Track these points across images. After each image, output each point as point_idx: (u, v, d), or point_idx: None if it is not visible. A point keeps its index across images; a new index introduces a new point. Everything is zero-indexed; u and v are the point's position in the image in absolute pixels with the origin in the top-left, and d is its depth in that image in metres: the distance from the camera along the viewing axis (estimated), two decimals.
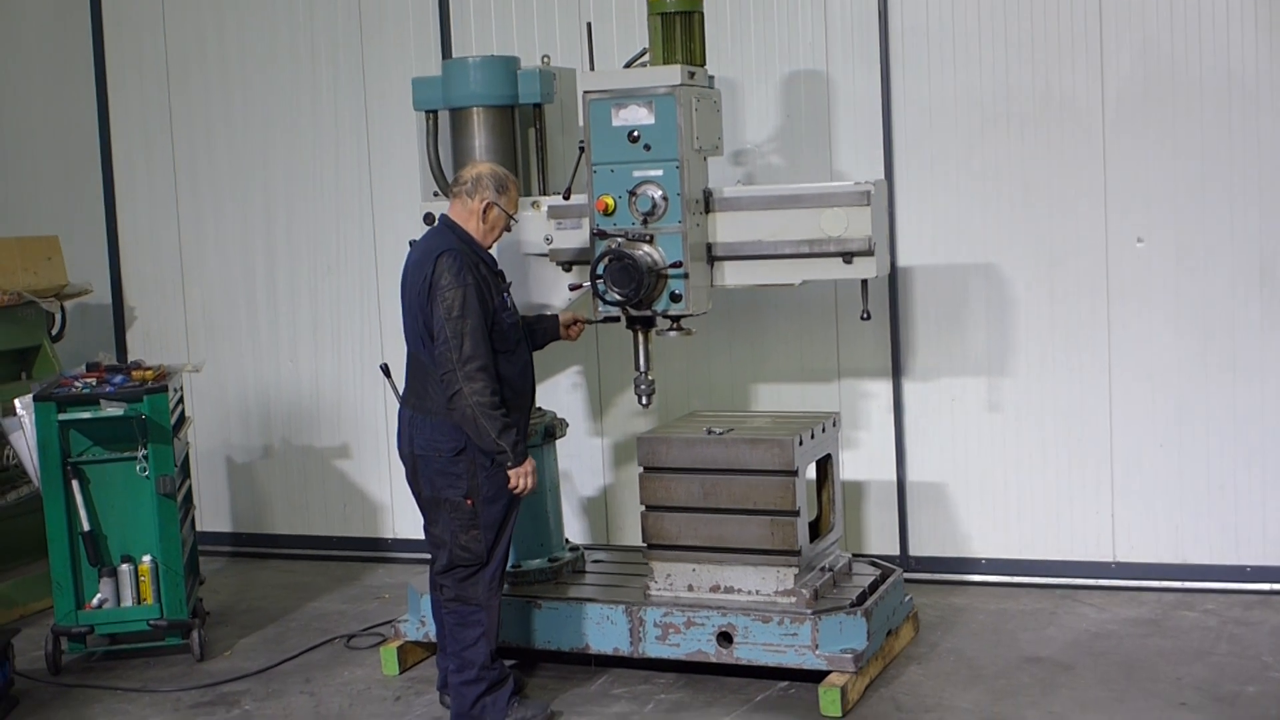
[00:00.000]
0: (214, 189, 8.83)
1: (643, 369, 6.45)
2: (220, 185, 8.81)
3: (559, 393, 8.06)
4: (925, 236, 7.40)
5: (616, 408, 8.01)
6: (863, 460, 7.59)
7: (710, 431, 6.26)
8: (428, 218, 6.49)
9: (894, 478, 7.57)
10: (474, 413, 5.51)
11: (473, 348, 5.52)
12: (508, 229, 5.90)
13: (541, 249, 6.58)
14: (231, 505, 9.02)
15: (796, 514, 6.06)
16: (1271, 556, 7.05)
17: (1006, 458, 7.41)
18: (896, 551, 7.59)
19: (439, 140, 6.81)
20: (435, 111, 6.82)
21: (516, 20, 7.97)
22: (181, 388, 7.51)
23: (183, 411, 7.44)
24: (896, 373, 7.51)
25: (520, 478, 5.66)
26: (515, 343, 5.80)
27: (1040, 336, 7.29)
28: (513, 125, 6.74)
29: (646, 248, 6.14)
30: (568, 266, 6.57)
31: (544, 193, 6.82)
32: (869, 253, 6.12)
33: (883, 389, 7.55)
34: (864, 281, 6.30)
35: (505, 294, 5.79)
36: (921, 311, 7.45)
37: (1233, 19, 6.87)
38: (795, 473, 6.05)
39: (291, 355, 8.74)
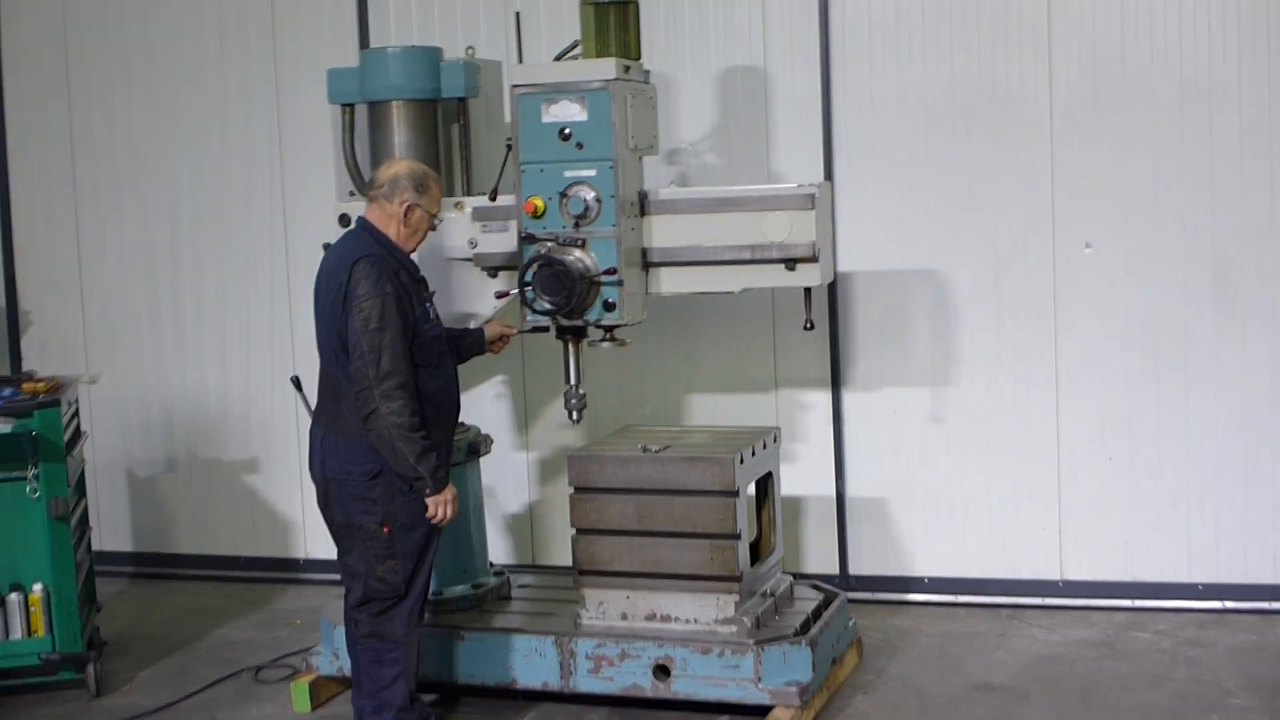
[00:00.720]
0: (114, 186, 8.32)
1: (573, 382, 6.08)
2: (121, 182, 8.30)
3: (483, 403, 7.68)
4: (866, 240, 7.10)
5: (543, 420, 7.62)
6: (801, 474, 7.26)
7: (645, 449, 5.89)
8: (343, 219, 6.08)
9: (833, 492, 7.26)
10: (391, 435, 5.10)
11: (391, 363, 5.11)
12: (432, 229, 5.49)
13: (465, 253, 6.18)
14: (132, 523, 8.51)
15: (737, 537, 5.70)
16: (1225, 574, 6.81)
17: (950, 471, 7.12)
18: (836, 570, 7.29)
19: (355, 136, 6.40)
20: (352, 105, 6.42)
21: (439, 9, 7.55)
22: (77, 400, 7.01)
23: (78, 426, 6.94)
24: (836, 383, 7.21)
25: (439, 506, 5.25)
26: (439, 356, 5.39)
27: (985, 345, 7.01)
28: (435, 121, 6.35)
29: (578, 253, 5.76)
30: (494, 272, 6.18)
31: (468, 193, 6.44)
32: (813, 259, 5.79)
33: (822, 400, 7.23)
34: (807, 290, 5.97)
35: (428, 304, 5.38)
36: (862, 319, 7.15)
37: (1185, 19, 6.60)
38: (736, 493, 5.70)
39: (197, 363, 8.26)
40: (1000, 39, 6.83)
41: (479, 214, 6.13)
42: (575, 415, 6.08)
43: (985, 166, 6.91)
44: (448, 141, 6.39)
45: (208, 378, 8.23)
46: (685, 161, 7.26)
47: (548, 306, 5.72)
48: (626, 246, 5.78)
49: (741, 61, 7.17)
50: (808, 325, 6.02)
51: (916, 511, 7.18)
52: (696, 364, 7.37)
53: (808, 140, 7.10)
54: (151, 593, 8.16)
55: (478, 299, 6.18)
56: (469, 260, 6.18)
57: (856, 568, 7.28)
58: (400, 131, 6.26)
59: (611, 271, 5.72)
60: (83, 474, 6.95)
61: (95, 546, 8.11)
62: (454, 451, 6.05)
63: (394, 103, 6.25)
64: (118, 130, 8.27)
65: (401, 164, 5.42)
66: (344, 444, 5.28)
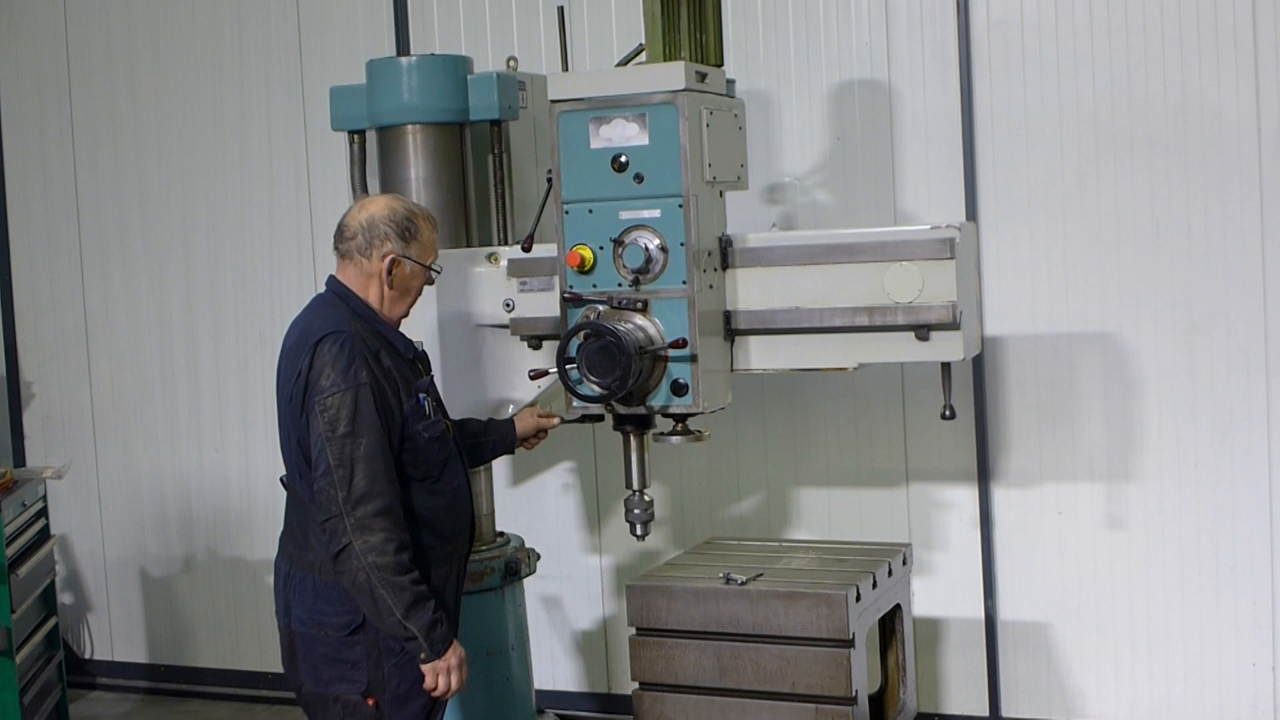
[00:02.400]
0: (122, 236, 7.10)
1: (636, 486, 4.66)
2: (130, 231, 7.07)
3: (546, 497, 6.34)
4: (1022, 298, 5.64)
5: (620, 516, 6.15)
6: (940, 591, 5.81)
7: (729, 579, 4.45)
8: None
9: (981, 614, 5.80)
10: (370, 580, 3.73)
11: (368, 482, 3.74)
12: (429, 283, 4.11)
13: (500, 319, 4.85)
14: (147, 630, 7.28)
15: (852, 701, 4.23)
16: None
17: (1133, 590, 5.62)
18: (985, 711, 5.82)
19: (366, 170, 5.08)
20: (361, 132, 5.11)
21: (490, 17, 6.19)
22: (45, 497, 5.75)
23: (45, 528, 5.67)
24: (984, 476, 5.74)
25: (439, 675, 3.85)
26: (441, 465, 4.01)
27: (1177, 429, 5.51)
28: (461, 150, 5.01)
29: (638, 319, 4.38)
30: (536, 344, 4.84)
31: (506, 241, 5.08)
32: (953, 325, 4.37)
33: (966, 498, 5.77)
34: (945, 365, 4.52)
35: (422, 395, 3.98)
36: (1017, 396, 5.68)
37: None
38: (850, 642, 4.24)
39: (217, 445, 6.98)
40: (1192, 43, 5.35)
41: (515, 269, 4.78)
42: (640, 529, 4.68)
43: (1174, 202, 5.41)
44: (480, 176, 5.04)
45: (229, 461, 6.95)
46: (790, 200, 5.87)
47: (597, 390, 4.32)
48: (702, 310, 4.39)
49: (860, 75, 5.76)
50: (947, 413, 4.56)
51: (1088, 640, 5.69)
52: (806, 452, 5.95)
53: (944, 171, 5.68)
54: (166, 714, 6.94)
55: (517, 379, 4.85)
56: (505, 328, 4.83)
57: (1011, 708, 5.81)
58: (418, 164, 4.97)
59: (681, 344, 4.32)
60: (51, 585, 5.70)
61: (105, 656, 7.26)
62: (486, 572, 4.69)
63: (409, 127, 4.94)
64: (126, 172, 7.05)
65: (377, 203, 4.05)
66: (313, 585, 3.93)
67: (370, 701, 3.90)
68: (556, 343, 4.55)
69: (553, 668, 6.39)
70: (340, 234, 4.03)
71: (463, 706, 4.86)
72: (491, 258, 4.87)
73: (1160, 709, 5.59)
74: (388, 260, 3.97)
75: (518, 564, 5.01)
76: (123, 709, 7.01)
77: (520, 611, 5.12)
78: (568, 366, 4.35)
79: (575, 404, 4.47)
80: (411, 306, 4.09)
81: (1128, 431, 5.55)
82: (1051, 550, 5.69)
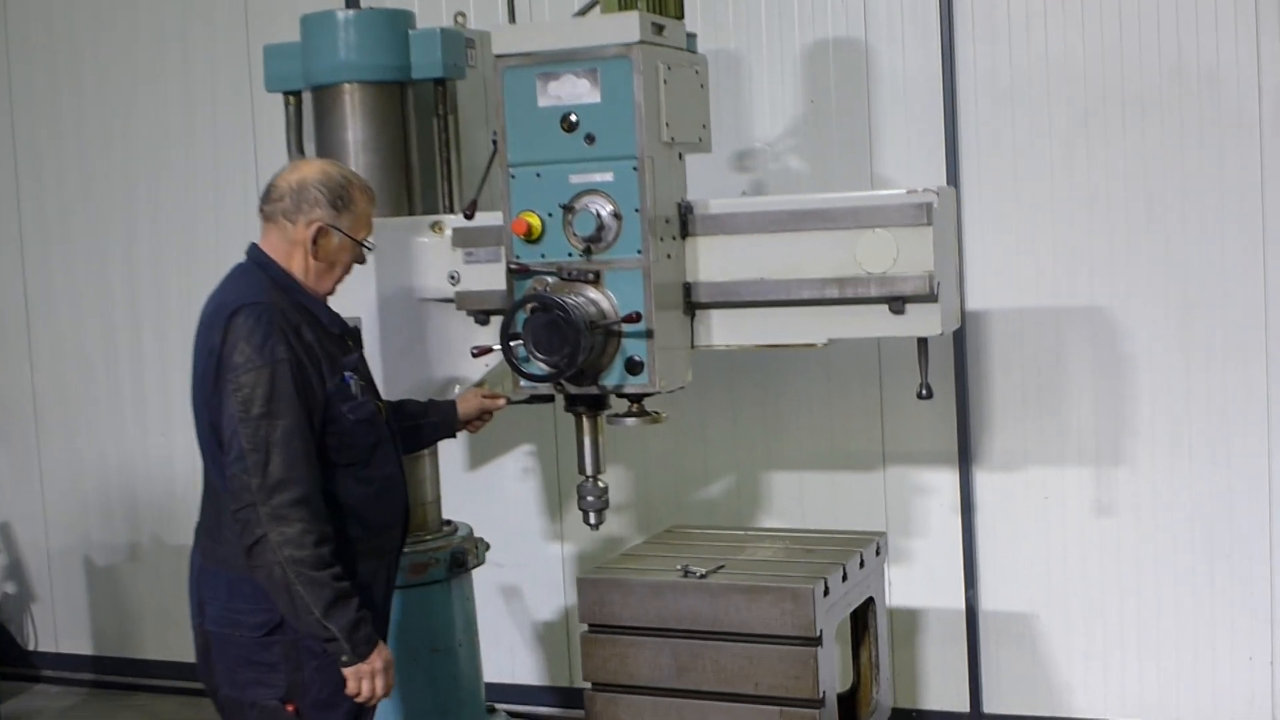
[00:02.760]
0: (64, 221, 6.73)
1: (590, 472, 4.32)
2: (72, 216, 6.71)
3: (504, 481, 6.02)
4: (1006, 270, 5.30)
5: None
6: (918, 581, 5.50)
7: (688, 572, 4.11)
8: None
9: (962, 605, 5.46)
10: (287, 575, 3.39)
11: (285, 467, 3.40)
12: (359, 261, 3.77)
13: (445, 292, 4.51)
14: (91, 621, 6.95)
15: (819, 703, 3.91)
16: None
17: (1122, 580, 5.29)
18: (965, 707, 5.50)
19: (303, 134, 4.74)
20: (297, 93, 4.76)
21: None
22: None
23: None
24: (965, 459, 5.40)
25: (362, 680, 3.52)
26: (370, 449, 3.66)
27: (1170, 410, 5.18)
28: (402, 111, 4.66)
29: (590, 291, 4.04)
30: (484, 318, 4.48)
31: (451, 209, 4.75)
32: (930, 297, 4.03)
33: (946, 482, 5.44)
34: (922, 341, 4.18)
35: (348, 374, 3.64)
36: (1001, 374, 5.35)
37: None
38: (817, 639, 3.91)
39: (163, 429, 6.62)
40: None
41: (461, 238, 4.44)
42: (593, 518, 4.33)
43: (1169, 168, 5.08)
44: (425, 139, 4.69)
45: (175, 446, 6.58)
46: (761, 167, 5.53)
47: (544, 368, 3.98)
48: (658, 281, 4.05)
49: (835, 33, 5.41)
50: (923, 392, 4.23)
51: (1075, 632, 5.36)
52: (777, 434, 5.62)
53: (924, 136, 5.33)
54: (109, 710, 6.63)
55: (463, 357, 4.46)
56: (450, 302, 4.50)
57: (994, 704, 5.48)
58: (356, 126, 4.62)
59: (635, 318, 3.98)
60: None
61: (51, 648, 6.94)
62: (429, 564, 4.36)
63: (346, 87, 4.59)
64: (66, 146, 6.68)
65: (312, 166, 3.70)
66: (227, 582, 3.59)
67: (290, 708, 3.56)
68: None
69: (512, 661, 6.07)
70: (267, 195, 3.68)
71: (405, 707, 4.53)
72: (435, 227, 4.52)
73: (1151, 705, 5.28)
74: (314, 228, 3.62)
75: (464, 555, 4.66)
76: (67, 703, 6.71)
77: (468, 605, 4.78)
78: (513, 343, 4.01)
79: (523, 384, 4.13)
80: (338, 283, 3.74)
81: (1118, 412, 5.22)
82: (1037, 537, 5.37)
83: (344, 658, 3.46)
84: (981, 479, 5.40)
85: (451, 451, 5.80)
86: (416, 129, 4.69)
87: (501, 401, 4.26)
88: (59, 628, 6.98)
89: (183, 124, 6.42)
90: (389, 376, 4.40)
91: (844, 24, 5.40)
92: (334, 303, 4.01)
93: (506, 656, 6.05)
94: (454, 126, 4.81)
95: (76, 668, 6.96)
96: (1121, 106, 5.11)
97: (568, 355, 3.91)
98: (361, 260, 3.74)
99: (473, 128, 5.04)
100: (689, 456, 5.74)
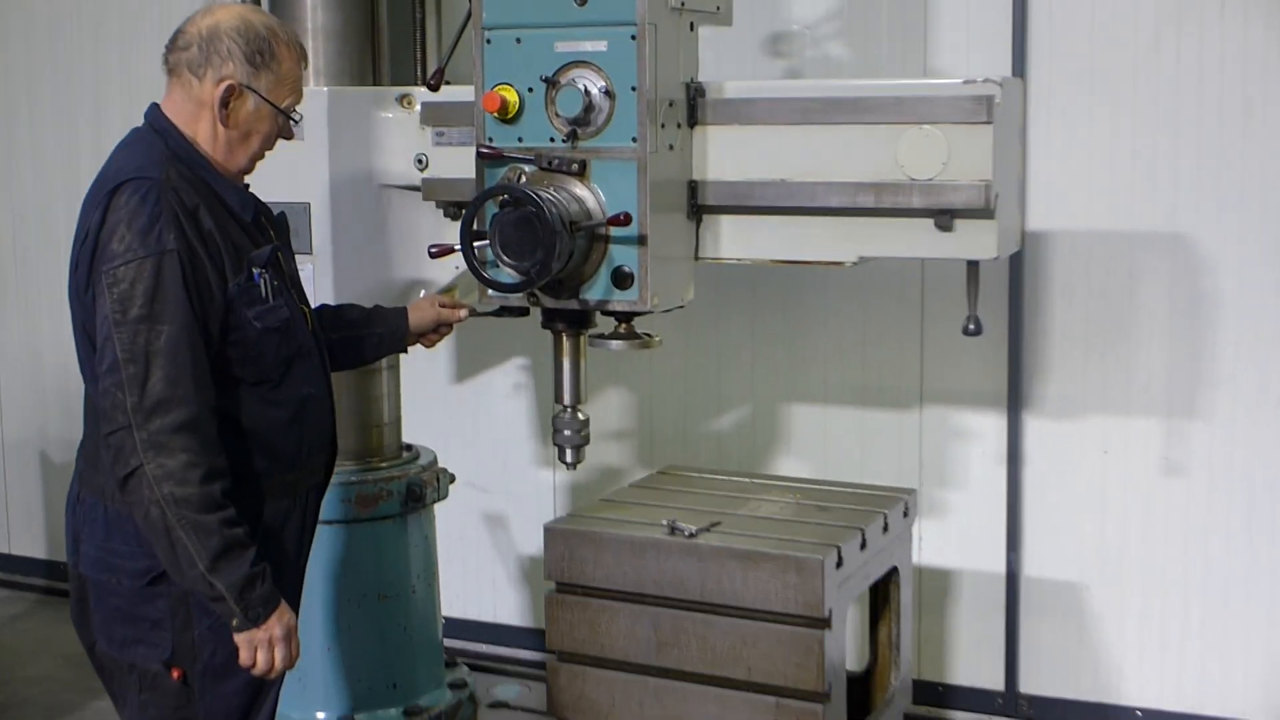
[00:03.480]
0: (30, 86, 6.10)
1: (568, 401, 3.64)
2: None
3: (494, 399, 5.40)
4: (1075, 184, 4.58)
5: None
6: (953, 539, 4.84)
7: (675, 528, 3.44)
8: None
9: (1002, 569, 4.81)
10: (166, 517, 2.74)
11: (168, 384, 2.75)
12: (285, 136, 3.07)
13: (411, 179, 3.85)
14: (46, 523, 6.43)
15: (824, 697, 3.25)
16: None
17: (1188, 551, 4.62)
18: (1000, 685, 4.85)
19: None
20: None
21: None
22: None
23: None
24: (1015, 403, 4.73)
25: (257, 649, 2.86)
26: (284, 365, 2.99)
27: (1257, 359, 4.48)
28: None
29: (573, 185, 3.35)
30: (455, 211, 3.81)
31: (425, 81, 4.04)
32: (985, 212, 3.34)
33: (992, 427, 4.77)
34: (973, 265, 3.49)
35: (258, 271, 2.94)
36: (1062, 307, 4.65)
37: None
38: (825, 621, 3.24)
39: None
40: None
41: (431, 115, 3.75)
42: (570, 455, 3.66)
43: (1273, 75, 4.34)
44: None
45: None
46: (797, 53, 4.82)
47: (514, 276, 3.29)
48: (656, 177, 3.35)
49: None
50: (971, 327, 3.53)
51: (1130, 607, 4.70)
52: (802, 360, 4.96)
53: (987, 22, 4.60)
54: (55, 620, 6.02)
55: (428, 257, 3.77)
56: (417, 190, 3.83)
57: (1031, 685, 4.84)
58: None
59: (625, 219, 3.28)
60: None
61: (4, 550, 6.49)
62: (380, 497, 3.73)
63: None
64: None
65: (229, 11, 2.98)
66: (104, 515, 2.95)
67: (175, 674, 2.93)
68: None
69: (494, 598, 5.48)
70: (173, 42, 2.98)
71: (345, 661, 3.92)
72: (404, 100, 3.86)
73: (1211, 697, 4.62)
74: (224, 86, 2.91)
75: (422, 487, 4.01)
76: (14, 610, 6.19)
77: (428, 545, 4.15)
78: (477, 243, 3.32)
79: (490, 293, 3.45)
80: (256, 160, 3.04)
81: (1196, 357, 4.53)
82: (1093, 496, 4.69)
83: (234, 621, 2.81)
84: (1032, 426, 4.72)
85: (436, 361, 5.19)
86: None
87: (463, 313, 3.57)
88: (11, 529, 6.48)
89: None
90: (340, 277, 3.80)
91: None
92: (278, 186, 3.41)
93: (489, 592, 5.47)
94: None
95: (28, 572, 6.46)
96: None
97: (540, 261, 3.22)
98: (287, 135, 3.04)
99: None
100: (700, 382, 5.09)
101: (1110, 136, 4.52)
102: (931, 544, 4.81)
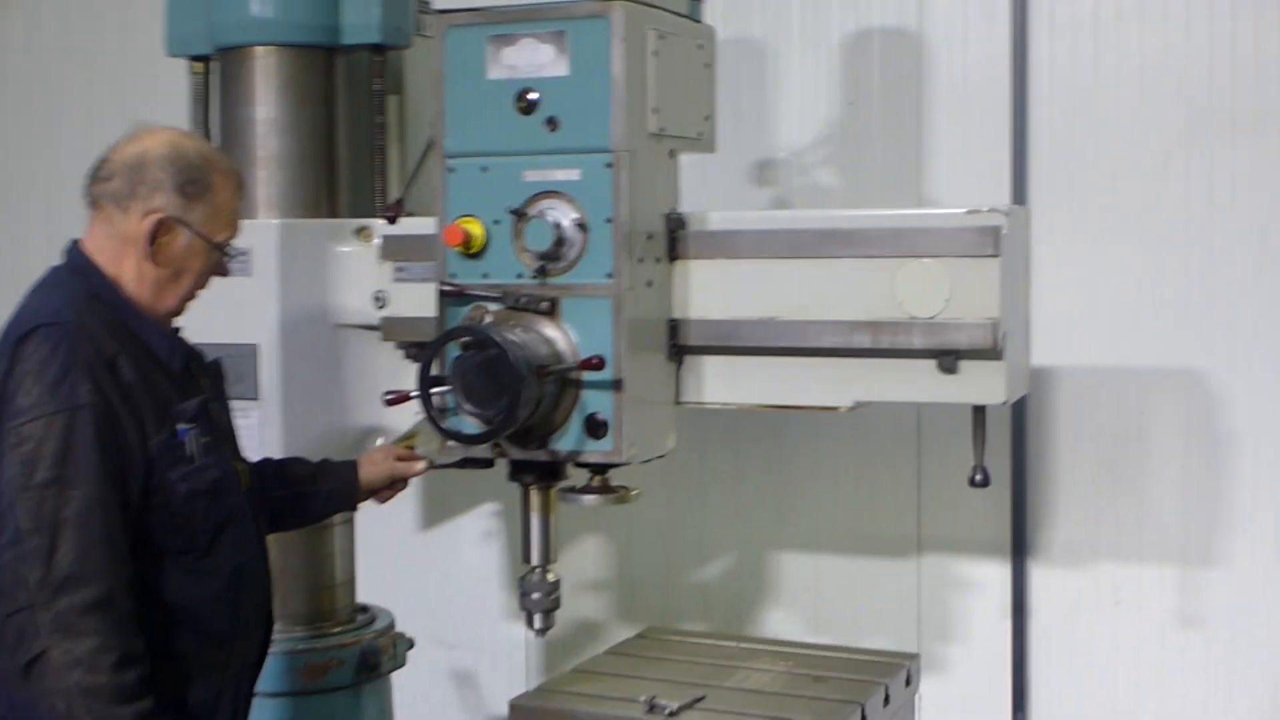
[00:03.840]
0: None
1: (536, 561, 3.33)
2: None
3: (461, 548, 5.13)
4: (1081, 318, 4.39)
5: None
6: (955, 699, 4.52)
7: (654, 705, 3.11)
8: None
9: None
10: (73, 709, 2.42)
11: (78, 558, 2.44)
12: (219, 273, 2.78)
13: (369, 318, 3.59)
14: None
15: None
16: None
17: (1209, 709, 4.34)
18: None
19: (209, 107, 3.83)
20: (205, 59, 3.83)
21: None
22: None
23: None
24: (1019, 551, 4.49)
25: None
26: (212, 533, 2.68)
27: (1277, 500, 4.27)
28: (330, 84, 3.73)
29: (542, 325, 3.07)
30: (416, 352, 3.53)
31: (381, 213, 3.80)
32: (993, 353, 3.07)
33: (995, 577, 4.53)
34: (979, 410, 3.21)
35: (184, 427, 2.63)
36: (1068, 448, 4.44)
37: None
38: None
39: None
40: None
41: (392, 249, 3.49)
42: (539, 620, 3.35)
43: None
44: (357, 121, 3.76)
45: None
46: (785, 180, 4.65)
47: (477, 426, 3.00)
48: (633, 316, 3.09)
49: (882, 21, 4.54)
50: (978, 478, 3.24)
51: None
52: (790, 506, 4.73)
53: (986, 149, 4.44)
54: None
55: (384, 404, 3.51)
56: (376, 329, 3.56)
57: None
58: (267, 100, 3.68)
59: (598, 363, 3.00)
60: None
61: None
62: (331, 665, 3.41)
63: (257, 50, 3.66)
64: None
65: (158, 137, 2.71)
66: (7, 699, 2.62)
67: None
68: None
69: None
70: (95, 173, 2.71)
71: None
72: (363, 233, 3.59)
73: None
74: (152, 220, 2.64)
75: (378, 654, 3.68)
76: None
77: (384, 718, 3.81)
78: (436, 390, 3.04)
79: (450, 444, 3.16)
80: (188, 300, 2.75)
81: (1212, 500, 4.31)
82: (1104, 652, 4.44)
83: None
84: (1038, 576, 4.48)
85: (398, 508, 4.87)
86: (347, 109, 3.75)
87: (420, 465, 3.28)
88: None
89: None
90: (290, 425, 3.50)
91: (894, 10, 4.54)
92: (223, 326, 3.13)
93: None
94: (398, 109, 3.87)
95: None
96: (1231, 120, 4.21)
97: (505, 409, 2.93)
98: (222, 271, 2.77)
99: (424, 109, 4.12)
100: (684, 529, 4.83)
101: (1116, 267, 4.35)
102: (932, 704, 4.48)
